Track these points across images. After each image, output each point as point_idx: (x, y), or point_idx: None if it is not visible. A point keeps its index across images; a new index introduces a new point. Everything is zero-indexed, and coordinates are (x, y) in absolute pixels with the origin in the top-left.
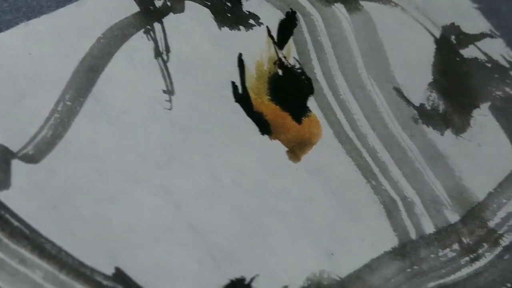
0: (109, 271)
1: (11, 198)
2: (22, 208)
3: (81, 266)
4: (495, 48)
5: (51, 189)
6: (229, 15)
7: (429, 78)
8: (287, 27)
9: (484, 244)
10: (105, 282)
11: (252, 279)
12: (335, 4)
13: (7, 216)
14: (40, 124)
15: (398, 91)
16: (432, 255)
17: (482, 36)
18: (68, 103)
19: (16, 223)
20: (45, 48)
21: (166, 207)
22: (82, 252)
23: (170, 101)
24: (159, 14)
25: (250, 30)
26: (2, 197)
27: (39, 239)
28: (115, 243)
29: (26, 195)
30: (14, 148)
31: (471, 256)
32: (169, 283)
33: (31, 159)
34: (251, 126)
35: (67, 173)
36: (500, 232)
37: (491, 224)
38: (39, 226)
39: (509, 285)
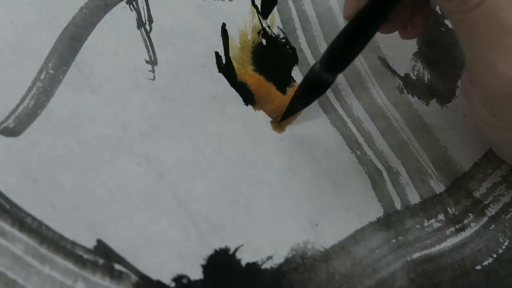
0: (91, 243)
1: None
2: (2, 182)
3: (62, 240)
4: None
5: (31, 162)
6: None
7: (414, 48)
8: None
9: (470, 214)
10: (86, 256)
11: (236, 249)
12: None
13: None
14: (22, 95)
15: (383, 61)
16: (418, 226)
17: None
18: (51, 71)
19: None
20: (28, 18)
21: (148, 176)
22: (63, 225)
23: (152, 71)
24: None
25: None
26: None
27: (19, 213)
28: (97, 214)
29: (5, 169)
30: None
31: (457, 226)
32: (152, 252)
33: (11, 132)
34: (235, 97)
35: (48, 145)
36: (486, 202)
37: (477, 194)
38: (19, 200)
39: (494, 255)
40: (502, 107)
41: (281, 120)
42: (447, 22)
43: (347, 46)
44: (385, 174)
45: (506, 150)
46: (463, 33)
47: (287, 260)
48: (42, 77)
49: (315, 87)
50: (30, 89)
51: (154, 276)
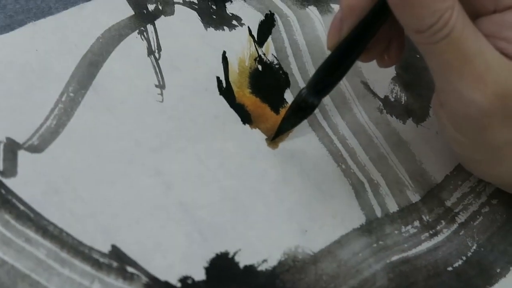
0: (106, 248)
1: (18, 184)
2: (27, 193)
3: (80, 245)
4: None
5: (53, 175)
6: (214, 17)
7: (393, 73)
8: (266, 27)
9: (442, 221)
10: (101, 259)
11: (235, 253)
12: (309, 7)
13: (14, 200)
14: (45, 115)
15: (365, 84)
16: (396, 231)
17: None
18: (71, 94)
19: (22, 207)
20: (51, 46)
21: (158, 187)
22: (81, 232)
23: (161, 94)
24: (151, 17)
25: (233, 30)
26: (10, 184)
27: (42, 221)
28: (112, 221)
29: (31, 182)
30: (20, 139)
31: (431, 232)
32: (160, 255)
33: (36, 149)
34: (234, 117)
35: (69, 159)
36: (456, 210)
37: (448, 203)
38: (42, 210)
39: (464, 258)
40: (467, 126)
41: (273, 138)
42: None
43: (330, 72)
44: (367, 185)
45: (472, 164)
46: (432, 61)
47: (280, 263)
48: (63, 99)
49: (302, 110)
50: (52, 110)
51: (162, 277)
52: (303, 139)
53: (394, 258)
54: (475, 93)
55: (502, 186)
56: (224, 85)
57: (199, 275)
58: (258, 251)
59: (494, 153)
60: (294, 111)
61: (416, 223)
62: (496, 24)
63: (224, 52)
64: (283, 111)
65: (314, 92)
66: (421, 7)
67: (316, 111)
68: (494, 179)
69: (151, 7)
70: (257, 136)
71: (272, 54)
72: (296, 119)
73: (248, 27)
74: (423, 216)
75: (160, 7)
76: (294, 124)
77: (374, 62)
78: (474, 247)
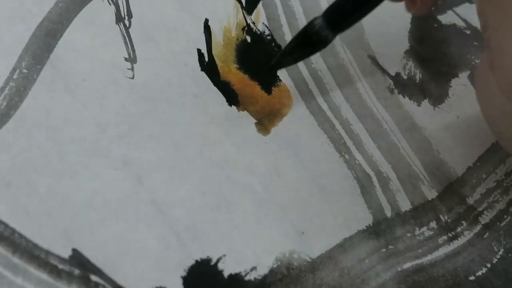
0: (66, 253)
1: None
2: None
3: (35, 249)
4: (475, 14)
5: (4, 165)
6: None
7: (406, 45)
8: None
9: (463, 222)
10: (60, 266)
11: (218, 259)
12: None
13: None
14: None
15: (373, 59)
16: (408, 234)
17: (460, 1)
18: (25, 70)
19: None
20: (0, 13)
21: (126, 181)
22: (37, 233)
23: (132, 69)
24: None
25: None
26: None
27: None
28: (72, 221)
29: None
30: None
31: (449, 234)
32: (130, 263)
33: None
34: (218, 96)
35: (22, 147)
36: (480, 209)
37: (470, 200)
38: None
39: (488, 265)
40: None
41: (266, 72)
42: (440, 17)
43: (356, 2)
44: (374, 179)
45: None
46: (489, 4)
47: (271, 271)
48: (15, 76)
49: (311, 43)
50: (2, 89)
51: None
52: (299, 124)
53: (406, 265)
54: None
55: None
56: (206, 59)
57: (176, 286)
58: (246, 257)
59: None
60: (300, 43)
61: (433, 224)
62: None
63: (207, 20)
64: (275, 91)
65: (330, 24)
66: None
67: (315, 91)
68: None
69: None
70: (244, 120)
71: (263, 23)
72: (302, 54)
73: None
74: (441, 216)
75: None
76: (298, 59)
77: (384, 32)
78: (501, 253)
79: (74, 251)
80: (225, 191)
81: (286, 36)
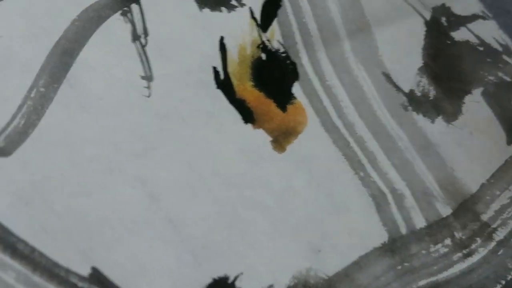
0: (85, 271)
1: None
2: None
3: (55, 267)
4: (488, 31)
5: (23, 184)
6: None
7: (419, 62)
8: (271, 8)
9: (477, 238)
10: (80, 284)
11: (235, 278)
12: None
13: None
14: (12, 113)
15: (387, 76)
16: (423, 251)
17: (474, 17)
18: (42, 89)
19: None
20: (17, 31)
21: (142, 200)
22: (56, 251)
23: (148, 87)
24: None
25: (232, 11)
26: None
27: (10, 238)
28: (90, 239)
29: None
30: None
31: (464, 251)
32: (147, 281)
33: (2, 152)
34: (233, 114)
35: (40, 165)
36: (494, 226)
37: (484, 217)
38: (10, 224)
39: (503, 282)
40: None
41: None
42: (453, 34)
43: None
44: (389, 196)
45: None
46: None
47: None
48: (32, 95)
49: None
50: (20, 107)
51: None
52: (314, 142)
53: (422, 283)
54: None
55: None
56: (221, 77)
57: None
58: (262, 275)
59: None
60: None
61: (447, 241)
62: None
63: (222, 38)
64: (290, 108)
65: None
66: None
67: (330, 108)
68: None
69: None
70: (260, 138)
71: (278, 41)
72: None
73: (250, 8)
74: (455, 233)
75: None
76: None
77: (398, 49)
78: None
79: (93, 269)
80: (240, 209)
81: (301, 53)
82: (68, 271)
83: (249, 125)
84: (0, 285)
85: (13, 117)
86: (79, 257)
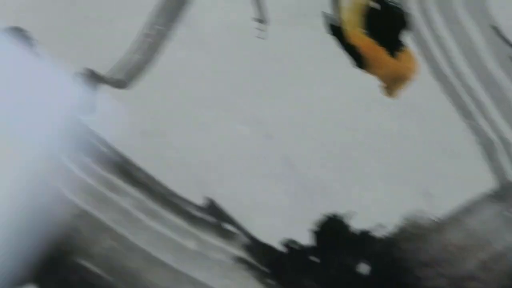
0: (201, 201)
1: (97, 123)
2: (109, 133)
3: (172, 195)
4: None
5: (138, 115)
6: None
7: None
8: None
9: None
10: (196, 213)
11: (347, 216)
12: None
13: (94, 141)
14: (127, 48)
15: (495, 29)
16: None
17: None
18: (159, 27)
19: (103, 148)
20: None
21: (257, 138)
22: (173, 180)
23: (262, 30)
24: None
25: None
26: (88, 122)
27: (127, 166)
28: (206, 173)
29: (112, 120)
30: (101, 72)
31: None
32: (260, 215)
33: (118, 84)
34: (345, 59)
35: (156, 99)
36: None
37: None
38: (127, 153)
39: None
40: None
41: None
42: None
43: None
44: (498, 145)
45: None
46: None
47: (398, 229)
48: (149, 31)
49: None
50: (136, 43)
51: (264, 238)
52: (424, 89)
53: None
54: None
55: None
56: (334, 22)
57: (304, 239)
58: (373, 215)
59: None
60: None
61: None
62: None
63: None
64: (401, 56)
65: None
66: None
67: (439, 57)
68: None
69: None
70: (372, 83)
71: None
72: None
73: None
74: None
75: None
76: None
77: (506, 2)
78: None
79: (210, 200)
80: (353, 151)
81: (411, 3)
82: (184, 200)
83: (359, 70)
84: (117, 210)
85: (130, 52)
86: (196, 188)
